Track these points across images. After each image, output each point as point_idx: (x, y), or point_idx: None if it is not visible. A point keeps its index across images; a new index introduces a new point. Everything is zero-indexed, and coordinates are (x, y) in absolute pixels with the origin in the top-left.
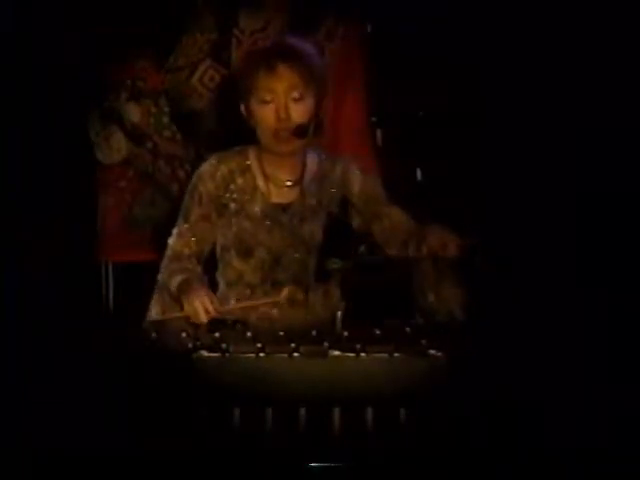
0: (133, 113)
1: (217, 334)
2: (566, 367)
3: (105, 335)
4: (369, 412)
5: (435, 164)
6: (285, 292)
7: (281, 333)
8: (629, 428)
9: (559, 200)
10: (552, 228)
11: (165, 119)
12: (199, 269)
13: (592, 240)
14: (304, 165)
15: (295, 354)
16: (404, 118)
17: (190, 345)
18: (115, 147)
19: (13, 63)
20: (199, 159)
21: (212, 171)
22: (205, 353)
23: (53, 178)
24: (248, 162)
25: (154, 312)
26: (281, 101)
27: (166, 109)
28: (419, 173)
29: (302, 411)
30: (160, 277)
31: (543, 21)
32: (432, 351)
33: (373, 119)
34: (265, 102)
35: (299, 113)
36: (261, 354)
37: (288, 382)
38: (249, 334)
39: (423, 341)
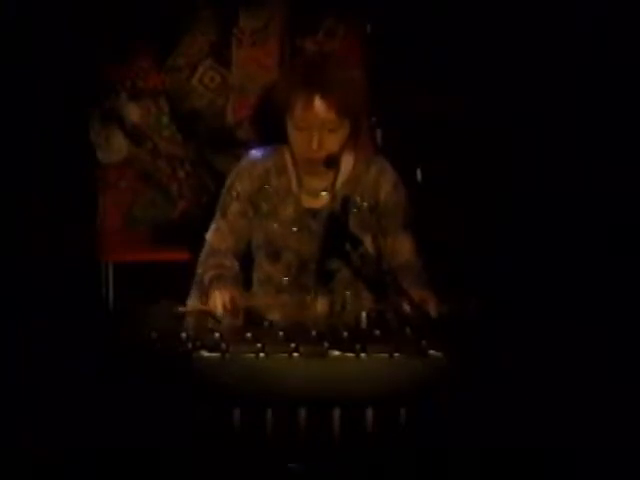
0: (133, 113)
1: (217, 334)
2: (565, 367)
3: (105, 335)
4: (369, 412)
5: (435, 164)
6: (316, 305)
7: (281, 333)
8: (628, 429)
9: (561, 198)
10: (554, 228)
11: (165, 119)
12: (235, 264)
13: (594, 240)
14: (338, 169)
15: (295, 354)
16: (404, 118)
17: (190, 345)
18: (115, 147)
19: (13, 63)
20: (199, 159)
21: (249, 168)
22: (205, 353)
23: (53, 178)
24: (284, 162)
25: (189, 305)
26: (315, 132)
27: (166, 109)
28: (419, 173)
29: (302, 411)
30: (197, 271)
31: (543, 21)
32: (432, 351)
33: (373, 119)
34: (300, 128)
35: (332, 143)
36: (261, 354)
37: (288, 382)
38: (249, 334)
39: (423, 341)
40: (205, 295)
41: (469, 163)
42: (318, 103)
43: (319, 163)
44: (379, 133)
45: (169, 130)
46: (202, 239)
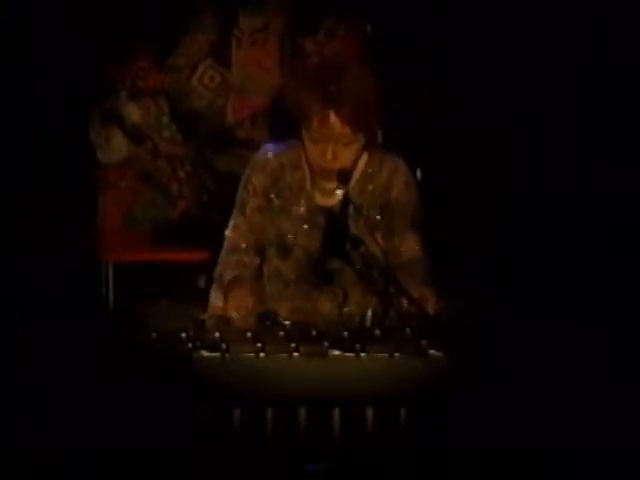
0: (133, 113)
1: (217, 334)
2: (565, 367)
3: (105, 335)
4: (369, 412)
5: (435, 164)
6: (322, 302)
7: (281, 333)
8: (628, 429)
9: (561, 198)
10: (554, 228)
11: (165, 119)
12: (256, 261)
13: (594, 240)
14: (351, 172)
15: (295, 354)
16: (404, 118)
17: (190, 345)
18: (115, 147)
19: (13, 63)
20: (199, 159)
21: (264, 162)
22: (205, 353)
23: (53, 178)
24: (299, 159)
25: (212, 305)
26: (330, 145)
27: (166, 109)
28: (419, 173)
29: (302, 411)
30: (217, 269)
31: (543, 21)
32: (432, 351)
33: None
34: (315, 141)
35: (346, 156)
36: (261, 354)
37: (288, 382)
38: (249, 334)
39: (423, 341)
40: (224, 295)
41: (469, 163)
42: (334, 119)
43: (332, 172)
44: (379, 133)
45: (169, 130)
46: (203, 239)
